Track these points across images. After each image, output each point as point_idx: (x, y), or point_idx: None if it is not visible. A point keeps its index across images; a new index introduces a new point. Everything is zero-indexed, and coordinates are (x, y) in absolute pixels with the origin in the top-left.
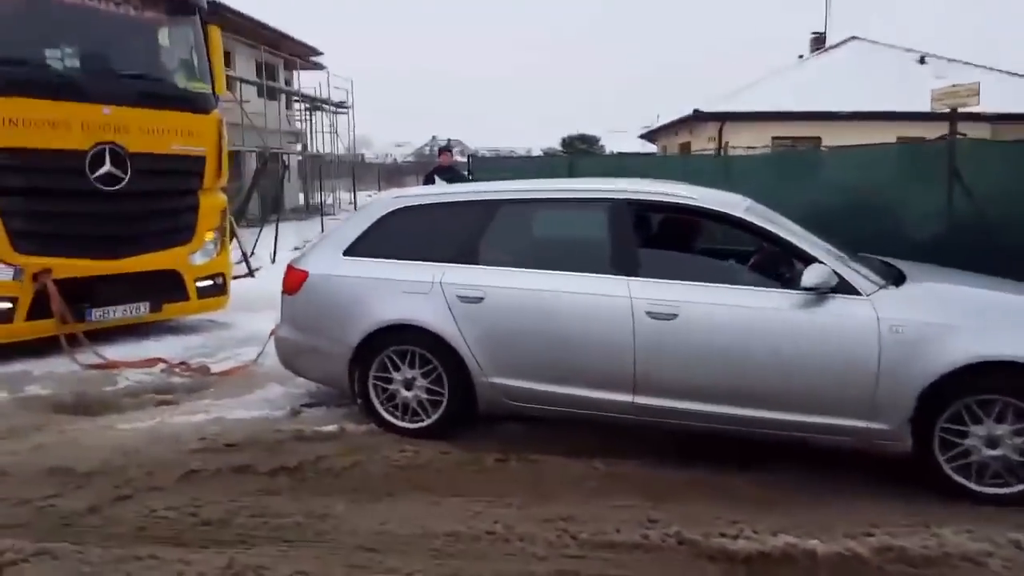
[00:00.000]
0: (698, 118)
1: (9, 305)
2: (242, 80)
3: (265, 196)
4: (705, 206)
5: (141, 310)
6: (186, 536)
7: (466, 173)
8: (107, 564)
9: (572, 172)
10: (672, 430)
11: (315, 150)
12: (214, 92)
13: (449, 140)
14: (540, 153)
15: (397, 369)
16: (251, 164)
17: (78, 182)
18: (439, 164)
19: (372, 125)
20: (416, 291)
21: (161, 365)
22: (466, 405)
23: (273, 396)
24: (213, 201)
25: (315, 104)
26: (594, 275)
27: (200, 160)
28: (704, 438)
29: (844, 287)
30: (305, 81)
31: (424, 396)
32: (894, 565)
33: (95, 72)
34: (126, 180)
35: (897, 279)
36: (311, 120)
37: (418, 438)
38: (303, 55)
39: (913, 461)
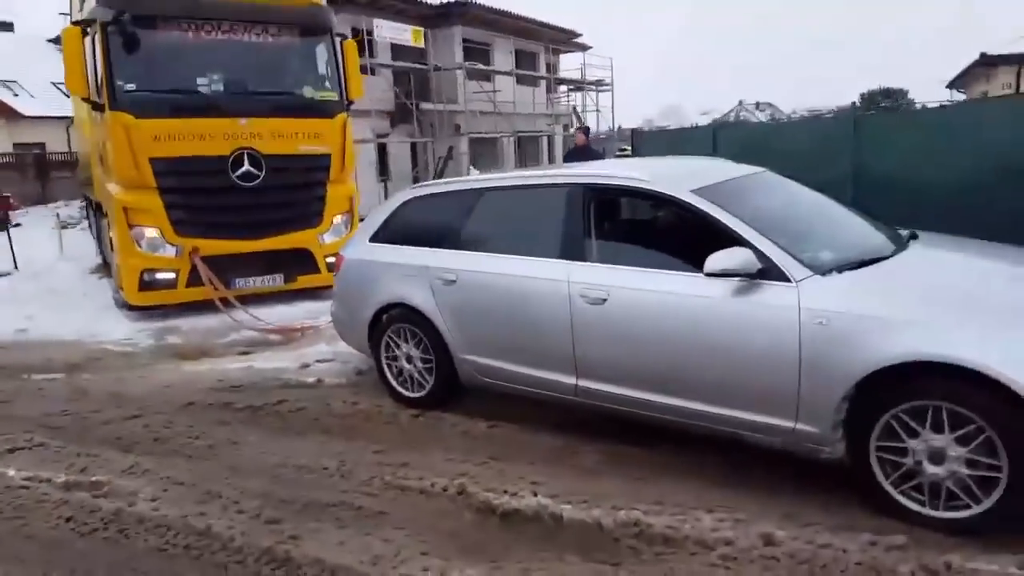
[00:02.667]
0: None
1: (173, 275)
2: (494, 71)
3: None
4: (648, 188)
5: (277, 280)
6: (135, 445)
7: (627, 148)
8: (68, 456)
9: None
10: (619, 417)
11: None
12: (345, 99)
13: (586, 122)
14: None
15: (399, 345)
16: (509, 148)
17: (222, 180)
18: (575, 145)
19: (681, 93)
20: (411, 274)
21: (266, 325)
22: (453, 379)
23: (310, 352)
24: (341, 190)
25: (577, 85)
26: (543, 259)
27: (326, 157)
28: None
29: (774, 273)
30: (571, 63)
31: (422, 368)
32: (631, 539)
33: (234, 92)
34: (261, 176)
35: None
36: (567, 101)
37: (419, 407)
38: (562, 40)
39: (857, 480)
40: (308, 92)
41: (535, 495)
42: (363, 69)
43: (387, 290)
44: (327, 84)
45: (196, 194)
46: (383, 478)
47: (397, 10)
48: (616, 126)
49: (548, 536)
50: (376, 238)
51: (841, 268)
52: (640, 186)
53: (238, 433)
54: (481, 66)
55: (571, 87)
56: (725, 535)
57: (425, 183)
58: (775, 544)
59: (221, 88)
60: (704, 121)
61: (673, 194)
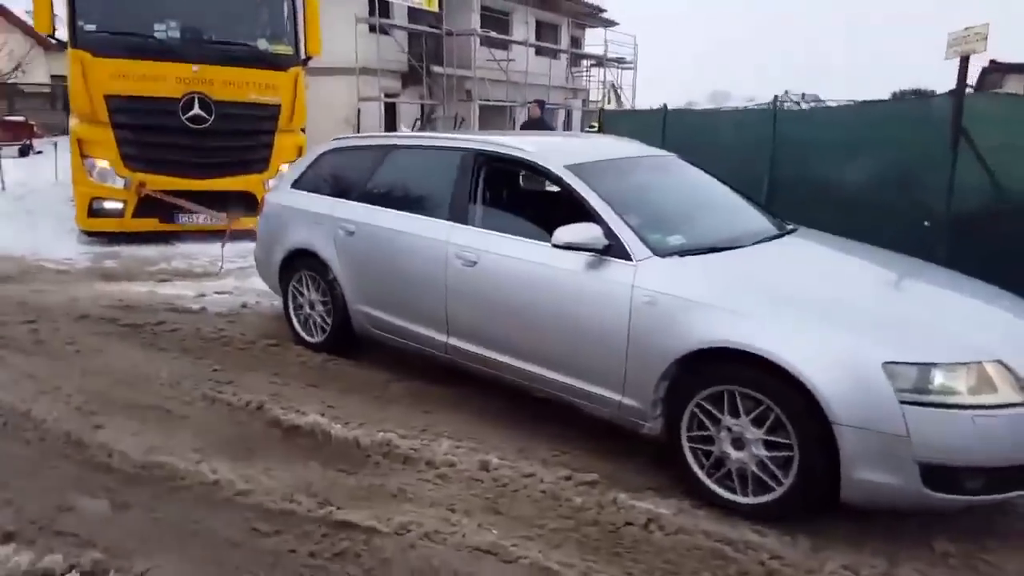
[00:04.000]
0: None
1: (120, 205)
2: (510, 40)
3: None
4: (528, 159)
5: (220, 220)
6: (14, 345)
7: (595, 125)
8: None
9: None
10: (481, 376)
11: (604, 105)
12: (303, 53)
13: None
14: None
15: (303, 292)
16: (522, 117)
17: (173, 121)
18: (529, 117)
19: (730, 81)
20: (318, 223)
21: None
22: (348, 327)
23: (211, 285)
24: (290, 139)
25: (600, 61)
26: (431, 219)
27: (276, 107)
28: None
29: (618, 250)
30: (596, 39)
31: (323, 313)
32: (378, 455)
33: (189, 39)
34: (211, 121)
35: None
36: (586, 75)
37: (319, 352)
38: (586, 14)
39: (665, 450)
40: (262, 44)
41: (322, 415)
42: (373, 29)
43: (297, 236)
44: (284, 38)
45: (147, 131)
46: (204, 391)
47: None
48: (648, 107)
49: (313, 448)
50: (296, 184)
51: (685, 252)
52: (521, 156)
53: (108, 344)
54: (494, 34)
55: (593, 62)
56: (451, 459)
57: (346, 136)
58: (488, 470)
59: (177, 35)
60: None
61: (548, 167)
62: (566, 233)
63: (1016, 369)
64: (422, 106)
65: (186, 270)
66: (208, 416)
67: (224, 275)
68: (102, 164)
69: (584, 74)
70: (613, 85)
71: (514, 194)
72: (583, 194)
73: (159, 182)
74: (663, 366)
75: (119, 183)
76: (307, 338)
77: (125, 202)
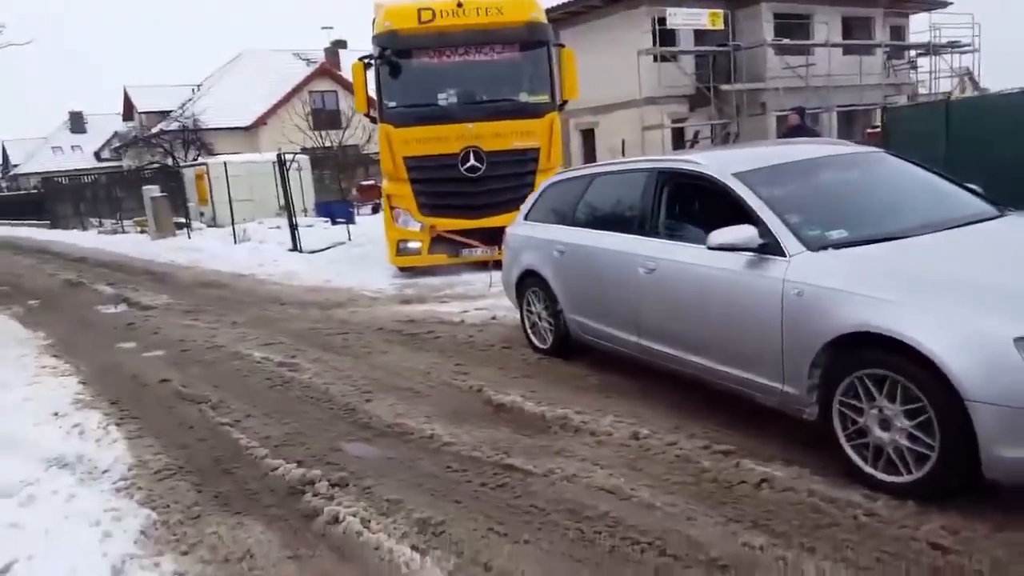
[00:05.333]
0: None
1: (419, 244)
2: (807, 44)
3: None
4: (698, 170)
5: (494, 251)
6: (329, 347)
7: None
8: (290, 349)
9: None
10: (667, 371)
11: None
12: (559, 99)
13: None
14: None
15: (534, 304)
16: (831, 123)
17: (454, 172)
18: (788, 126)
19: None
20: (539, 246)
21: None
22: (566, 334)
23: (476, 303)
24: (548, 177)
25: (929, 48)
26: (622, 234)
27: (536, 151)
28: None
29: (773, 248)
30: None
31: (548, 324)
32: (556, 426)
33: (464, 103)
34: (483, 168)
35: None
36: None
37: (547, 355)
38: (897, 1)
39: (824, 434)
40: (523, 97)
41: (522, 396)
42: (657, 58)
43: (526, 259)
44: (541, 89)
45: (434, 183)
46: (444, 379)
47: None
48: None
49: (509, 419)
50: (527, 216)
51: (844, 245)
52: (693, 169)
53: (391, 347)
54: (787, 41)
55: (919, 52)
56: (610, 430)
57: (564, 170)
58: (638, 438)
59: (455, 100)
60: None
61: (715, 176)
62: (719, 236)
63: None
64: (712, 126)
65: (462, 294)
66: (442, 395)
67: (491, 296)
68: (404, 213)
69: (905, 66)
70: (969, 72)
71: (691, 204)
72: (744, 197)
73: (446, 223)
74: (812, 354)
75: (416, 227)
76: (537, 344)
77: (422, 242)
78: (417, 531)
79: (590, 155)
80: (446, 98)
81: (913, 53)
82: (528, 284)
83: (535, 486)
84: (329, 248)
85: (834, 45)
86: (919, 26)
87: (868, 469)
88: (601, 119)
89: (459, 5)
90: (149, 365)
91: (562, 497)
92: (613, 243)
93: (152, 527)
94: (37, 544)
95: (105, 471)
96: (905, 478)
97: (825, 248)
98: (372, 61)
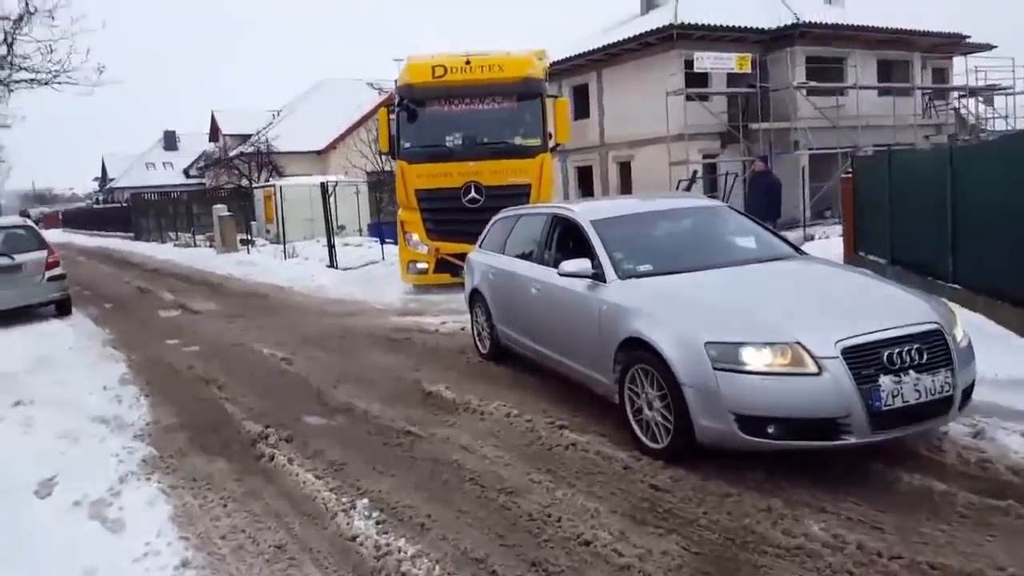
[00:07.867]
0: None
1: (426, 265)
2: (837, 87)
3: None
4: (569, 216)
5: None
6: (325, 347)
7: (850, 171)
8: (292, 346)
9: None
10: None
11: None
12: (552, 142)
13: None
14: None
15: (478, 316)
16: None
17: (456, 203)
18: (754, 171)
19: None
20: (481, 270)
21: None
22: (497, 340)
23: (458, 317)
24: None
25: (970, 91)
26: (527, 262)
27: (527, 187)
28: None
29: (601, 276)
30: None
31: (487, 333)
32: (461, 408)
33: (467, 144)
34: (482, 200)
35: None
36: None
37: (488, 360)
38: (941, 45)
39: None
40: (517, 140)
41: (447, 388)
42: (689, 97)
43: (474, 280)
44: (533, 134)
45: (440, 212)
46: (398, 374)
47: (734, 38)
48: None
49: (433, 403)
50: (481, 245)
51: (642, 275)
52: (569, 215)
53: (370, 349)
54: (814, 83)
55: (961, 93)
56: (493, 411)
57: (508, 208)
58: (508, 417)
59: (460, 142)
60: None
61: (580, 221)
62: (567, 265)
63: (812, 348)
64: (744, 163)
65: (453, 308)
66: (391, 385)
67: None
68: (414, 237)
69: (946, 107)
70: (961, 116)
71: (568, 241)
72: (591, 238)
73: (449, 247)
74: (612, 352)
75: (424, 249)
76: (481, 350)
77: (428, 263)
78: (324, 468)
79: (626, 186)
80: (452, 140)
81: (956, 95)
82: (475, 300)
83: (419, 444)
84: (362, 267)
85: (863, 87)
86: (963, 67)
87: (643, 439)
88: (636, 152)
89: (467, 62)
90: (184, 356)
91: (433, 451)
92: (521, 268)
93: (152, 459)
94: (74, 465)
95: (130, 425)
96: (660, 445)
97: (631, 277)
98: (395, 108)
